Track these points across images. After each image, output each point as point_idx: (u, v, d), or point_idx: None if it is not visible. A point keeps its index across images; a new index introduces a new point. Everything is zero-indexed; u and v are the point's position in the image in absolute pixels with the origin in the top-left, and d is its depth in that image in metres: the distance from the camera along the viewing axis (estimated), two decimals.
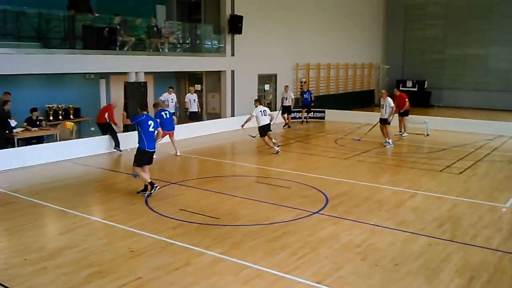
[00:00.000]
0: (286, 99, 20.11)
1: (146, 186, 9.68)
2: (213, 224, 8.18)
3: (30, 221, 8.35)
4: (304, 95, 21.33)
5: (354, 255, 6.98)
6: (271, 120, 14.51)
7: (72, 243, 7.32)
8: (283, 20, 22.29)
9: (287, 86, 20.70)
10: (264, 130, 14.39)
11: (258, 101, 15.06)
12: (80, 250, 7.03)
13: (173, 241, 7.34)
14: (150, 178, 9.73)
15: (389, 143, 15.74)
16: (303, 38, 23.67)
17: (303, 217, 8.55)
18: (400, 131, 18.01)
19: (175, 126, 14.14)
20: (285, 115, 20.25)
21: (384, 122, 15.88)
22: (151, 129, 9.56)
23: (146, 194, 9.57)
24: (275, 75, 22.85)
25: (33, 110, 13.93)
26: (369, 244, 7.40)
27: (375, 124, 16.50)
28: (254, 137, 15.44)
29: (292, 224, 8.19)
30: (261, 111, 14.44)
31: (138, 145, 9.70)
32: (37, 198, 9.58)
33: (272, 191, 10.30)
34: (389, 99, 15.79)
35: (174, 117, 14.19)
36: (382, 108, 15.89)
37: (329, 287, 5.96)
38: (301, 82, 24.25)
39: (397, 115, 17.96)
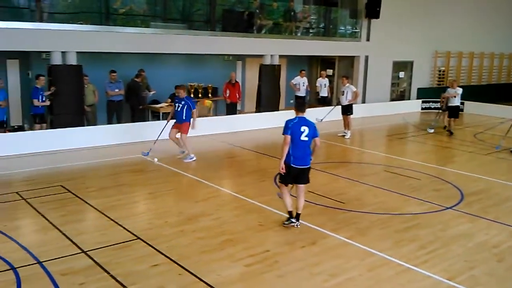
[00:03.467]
0: (455, 97, 15.42)
1: (289, 213, 7.27)
2: (339, 208, 8.20)
3: (171, 187, 9.14)
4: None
5: (490, 255, 6.56)
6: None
7: (207, 211, 7.87)
8: (423, 4, 21.12)
9: (455, 80, 16.32)
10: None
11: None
12: (214, 219, 7.53)
13: (300, 220, 7.49)
14: (293, 208, 7.27)
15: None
16: (444, 24, 22.21)
17: (435, 211, 8.20)
18: None
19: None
20: (451, 119, 15.74)
21: None
22: (303, 137, 6.98)
23: (289, 224, 7.22)
24: (411, 63, 21.87)
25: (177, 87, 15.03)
26: (508, 246, 6.89)
27: None
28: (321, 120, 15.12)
29: (422, 217, 7.90)
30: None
31: None
32: (177, 168, 10.41)
33: (402, 182, 9.99)
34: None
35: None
36: None
37: (461, 285, 5.68)
38: (440, 71, 22.93)
39: None
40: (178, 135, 11.15)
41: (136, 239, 6.65)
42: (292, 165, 7.02)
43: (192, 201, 8.61)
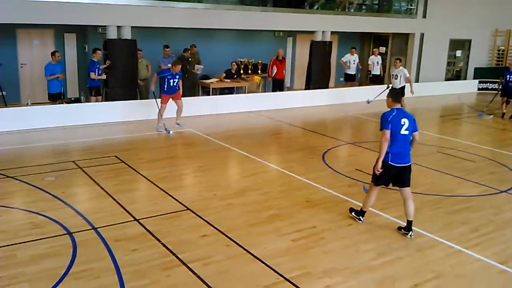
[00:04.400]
0: None
1: (362, 211, 6.68)
2: (388, 188, 7.95)
3: (219, 161, 9.27)
4: (508, 77, 14.68)
5: None
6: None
7: (254, 186, 7.94)
8: None
9: None
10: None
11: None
12: (261, 193, 7.59)
13: (347, 198, 7.46)
14: (367, 209, 6.66)
15: None
16: (506, 1, 21.03)
17: (489, 194, 7.94)
18: None
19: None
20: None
21: None
22: (404, 131, 6.12)
23: (356, 218, 6.69)
24: (469, 41, 20.95)
25: (233, 62, 15.09)
26: None
27: None
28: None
29: (475, 200, 7.67)
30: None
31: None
32: (225, 142, 10.52)
33: (455, 163, 9.70)
34: None
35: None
36: None
37: None
38: (499, 51, 21.86)
39: None
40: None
41: (186, 209, 6.81)
42: (390, 163, 6.16)
43: (240, 176, 8.72)
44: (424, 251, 5.92)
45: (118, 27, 12.38)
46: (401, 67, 13.98)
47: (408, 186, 6.35)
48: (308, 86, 16.23)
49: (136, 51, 12.79)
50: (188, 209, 6.83)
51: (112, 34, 12.33)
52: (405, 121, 6.13)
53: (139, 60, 13.11)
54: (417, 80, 19.14)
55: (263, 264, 5.41)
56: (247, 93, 15.18)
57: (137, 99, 12.90)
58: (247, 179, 8.36)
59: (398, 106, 6.27)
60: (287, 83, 17.45)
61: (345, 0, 17.13)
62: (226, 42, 16.23)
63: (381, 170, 6.24)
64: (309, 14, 15.85)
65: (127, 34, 12.48)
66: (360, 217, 6.67)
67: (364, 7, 18.45)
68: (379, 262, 5.59)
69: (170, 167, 8.76)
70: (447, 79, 20.66)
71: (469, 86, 20.47)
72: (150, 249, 5.63)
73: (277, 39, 17.43)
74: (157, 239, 5.87)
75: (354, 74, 16.89)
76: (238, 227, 6.31)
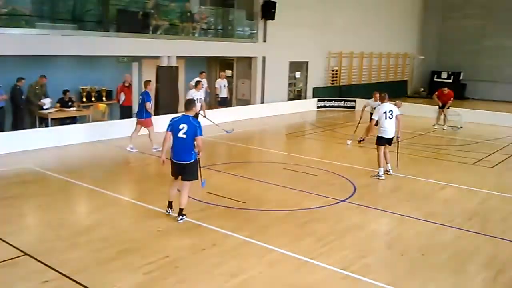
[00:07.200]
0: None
1: (169, 203, 7.76)
2: (239, 208, 8.24)
3: (63, 198, 8.60)
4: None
5: (380, 244, 6.98)
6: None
7: (103, 221, 7.51)
8: (317, 6, 21.96)
9: (375, 92, 13.88)
10: None
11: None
12: (110, 228, 7.21)
13: (200, 223, 7.44)
14: (172, 199, 7.72)
15: (379, 175, 10.30)
16: (336, 26, 23.30)
17: (331, 205, 8.54)
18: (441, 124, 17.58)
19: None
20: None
21: (386, 142, 10.44)
22: (181, 134, 7.25)
23: (181, 219, 7.47)
24: (307, 63, 22.65)
25: (65, 91, 14.24)
26: (396, 233, 7.38)
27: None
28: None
29: (319, 211, 8.19)
30: None
31: None
32: (69, 177, 9.80)
33: (300, 178, 10.30)
34: (394, 108, 10.38)
35: (147, 103, 12.15)
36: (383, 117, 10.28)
37: (354, 274, 5.96)
38: (333, 71, 24.00)
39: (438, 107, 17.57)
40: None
41: (23, 255, 6.17)
42: (171, 159, 7.47)
43: (86, 211, 8.21)
44: (275, 266, 6.12)
45: None
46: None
47: (186, 180, 7.44)
48: (156, 112, 16.00)
49: None
50: (26, 254, 6.20)
51: None
52: (184, 126, 7.28)
53: None
54: (262, 101, 20.09)
55: None
56: (92, 121, 14.42)
57: None
58: (94, 214, 7.89)
59: (187, 113, 7.43)
60: (135, 109, 17.00)
61: (188, 25, 17.35)
62: (65, 69, 15.28)
63: (162, 163, 7.60)
64: (153, 39, 15.71)
65: None
66: (168, 210, 7.68)
67: (209, 31, 18.86)
68: (232, 284, 5.64)
69: (4, 209, 7.86)
70: (290, 99, 22.05)
71: (310, 105, 22.11)
72: None
73: (122, 64, 16.93)
74: None
75: (204, 98, 17.06)
76: (84, 268, 5.90)
